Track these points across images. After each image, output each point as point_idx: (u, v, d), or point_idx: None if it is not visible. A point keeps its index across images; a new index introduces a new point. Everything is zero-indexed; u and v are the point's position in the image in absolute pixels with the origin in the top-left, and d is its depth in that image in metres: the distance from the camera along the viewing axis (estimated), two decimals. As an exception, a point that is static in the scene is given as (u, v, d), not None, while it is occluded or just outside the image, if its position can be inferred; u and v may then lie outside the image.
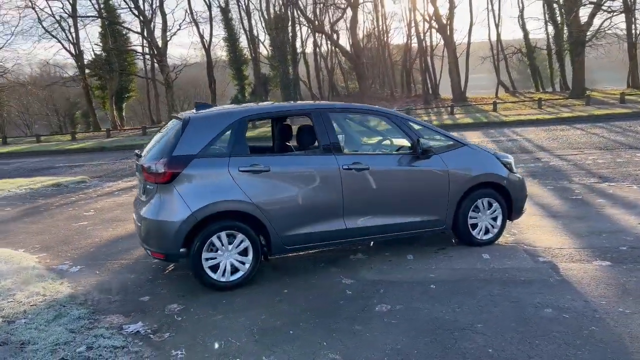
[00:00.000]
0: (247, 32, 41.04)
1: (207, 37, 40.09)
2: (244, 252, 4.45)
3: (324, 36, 42.63)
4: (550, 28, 37.98)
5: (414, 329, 3.52)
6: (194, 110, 4.80)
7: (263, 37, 45.57)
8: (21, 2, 45.10)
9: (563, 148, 12.63)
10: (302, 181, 4.58)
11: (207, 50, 39.91)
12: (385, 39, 48.49)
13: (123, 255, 5.71)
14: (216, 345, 3.45)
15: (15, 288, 4.60)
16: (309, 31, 43.75)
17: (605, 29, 29.32)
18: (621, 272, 4.32)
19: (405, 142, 5.17)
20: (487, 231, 5.29)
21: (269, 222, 4.45)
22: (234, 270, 4.44)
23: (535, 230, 5.77)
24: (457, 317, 3.66)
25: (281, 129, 5.69)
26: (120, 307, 4.22)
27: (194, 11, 47.43)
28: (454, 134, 5.90)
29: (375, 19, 47.04)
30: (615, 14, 28.54)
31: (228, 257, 4.40)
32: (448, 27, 34.54)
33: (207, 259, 4.33)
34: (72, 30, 38.03)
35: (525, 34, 40.73)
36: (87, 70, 39.74)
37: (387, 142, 5.59)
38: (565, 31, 33.12)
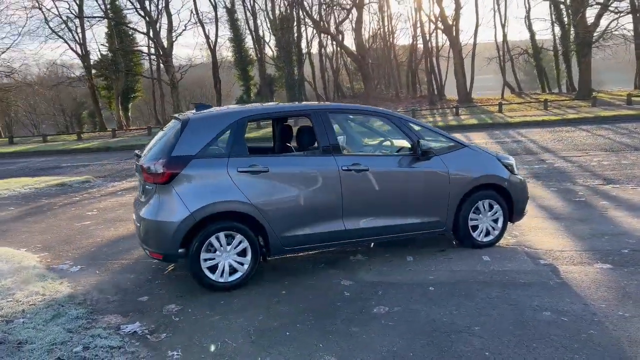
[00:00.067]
0: (253, 33, 41.11)
1: (212, 37, 40.21)
2: (243, 253, 4.45)
3: (329, 37, 42.61)
4: (557, 29, 37.82)
5: (411, 331, 3.50)
6: (194, 111, 4.81)
7: (268, 37, 45.60)
8: (28, 2, 45.48)
9: (568, 149, 12.55)
10: (301, 182, 4.57)
11: (213, 50, 40.00)
12: (390, 39, 48.45)
13: (124, 255, 5.72)
14: (212, 346, 3.44)
15: (15, 287, 4.62)
16: (314, 32, 43.76)
17: (612, 29, 29.10)
18: (622, 275, 4.28)
19: (405, 143, 5.15)
20: (487, 233, 5.26)
21: (268, 223, 4.44)
22: (233, 271, 4.43)
23: (537, 232, 5.74)
24: (454, 320, 3.64)
25: (281, 130, 5.69)
26: (119, 307, 4.23)
27: (199, 11, 47.65)
28: (457, 136, 5.87)
29: (381, 19, 47.00)
30: (622, 14, 28.32)
31: (226, 257, 4.40)
32: (454, 27, 34.42)
33: (205, 260, 4.33)
34: (79, 30, 38.32)
35: (532, 34, 40.56)
36: (93, 71, 39.96)
37: (388, 143, 5.58)
38: (572, 32, 32.96)
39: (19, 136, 38.51)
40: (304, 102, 5.69)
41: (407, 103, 36.91)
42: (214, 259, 4.36)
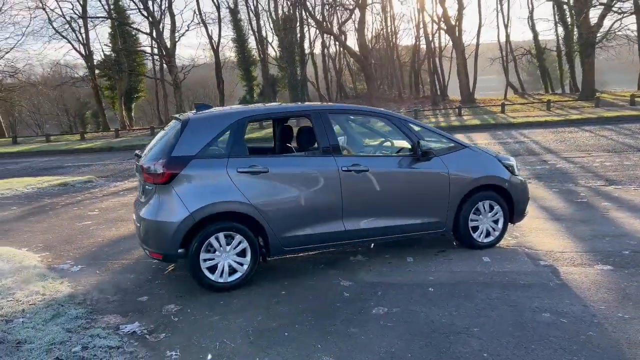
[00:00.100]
0: (256, 33, 41.13)
1: (215, 38, 40.27)
2: (242, 253, 4.45)
3: (332, 37, 42.60)
4: (560, 29, 37.72)
5: (410, 332, 3.50)
6: (194, 111, 4.82)
7: (271, 38, 45.62)
8: (32, 2, 45.67)
9: (570, 150, 12.52)
10: (301, 182, 4.57)
11: (216, 51, 40.05)
12: (393, 40, 48.40)
13: (124, 255, 5.74)
14: (211, 347, 3.44)
15: (15, 287, 4.63)
16: (317, 32, 43.77)
17: (616, 30, 29.03)
18: (622, 277, 4.27)
19: (405, 144, 5.15)
20: (488, 234, 5.25)
21: (267, 223, 4.45)
22: (232, 271, 4.44)
23: (538, 233, 5.72)
24: (453, 321, 3.63)
25: (282, 130, 5.69)
26: (119, 307, 4.24)
27: (202, 12, 47.70)
28: (459, 136, 5.86)
29: (384, 20, 46.97)
30: (625, 15, 28.23)
31: (226, 258, 4.40)
32: (456, 28, 34.38)
33: (205, 260, 4.34)
34: (82, 31, 38.40)
35: (535, 35, 40.46)
36: (96, 71, 40.05)
37: (388, 143, 5.57)
38: (575, 32, 32.85)
39: (23, 136, 38.64)
40: (304, 103, 5.69)
41: (410, 103, 36.88)
42: (213, 259, 4.37)
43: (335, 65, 48.30)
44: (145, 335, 3.68)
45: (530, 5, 40.88)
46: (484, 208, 5.18)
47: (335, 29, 41.36)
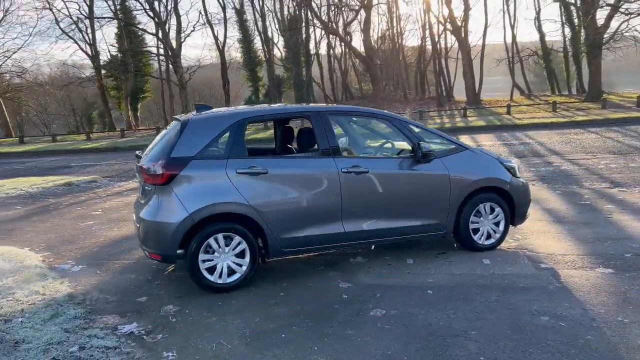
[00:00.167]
0: (261, 34, 41.18)
1: (221, 38, 40.29)
2: (241, 254, 4.45)
3: (337, 38, 42.59)
4: (567, 30, 37.50)
5: (407, 334, 3.48)
6: (195, 112, 4.83)
7: (277, 38, 45.65)
8: (39, 3, 45.86)
9: (576, 152, 12.44)
10: (300, 184, 4.57)
11: (222, 51, 40.11)
12: (399, 40, 48.30)
13: (125, 255, 5.75)
14: (207, 348, 3.44)
15: (15, 286, 4.65)
16: (323, 33, 43.76)
17: (623, 31, 28.80)
18: (623, 280, 4.23)
19: (406, 146, 5.13)
20: (488, 236, 5.22)
21: (266, 224, 4.44)
22: (231, 272, 4.44)
23: (540, 235, 5.69)
24: (451, 324, 3.61)
25: (283, 131, 5.69)
26: (117, 307, 4.25)
27: (208, 13, 47.84)
28: (464, 138, 5.84)
29: (390, 20, 46.89)
30: (632, 16, 27.97)
31: (225, 259, 4.40)
32: (462, 29, 34.26)
33: (203, 261, 4.34)
34: (89, 31, 38.56)
35: (542, 36, 40.25)
36: (103, 71, 40.24)
37: (389, 145, 5.56)
38: (582, 33, 32.67)
39: (29, 136, 38.89)
40: (304, 104, 5.68)
41: (415, 104, 36.78)
42: (212, 260, 4.37)
43: (341, 66, 48.26)
44: (142, 335, 3.69)
45: (537, 6, 40.58)
46: (485, 210, 5.16)
47: (340, 30, 41.33)
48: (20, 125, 50.61)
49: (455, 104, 35.19)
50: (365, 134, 5.98)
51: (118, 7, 39.26)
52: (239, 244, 4.42)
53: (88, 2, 37.50)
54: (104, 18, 39.47)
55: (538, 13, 40.22)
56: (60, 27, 37.92)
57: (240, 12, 41.80)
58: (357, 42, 47.40)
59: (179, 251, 4.32)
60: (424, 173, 4.93)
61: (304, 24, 40.29)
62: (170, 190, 4.30)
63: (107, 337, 3.62)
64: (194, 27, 52.17)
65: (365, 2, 33.30)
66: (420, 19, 48.98)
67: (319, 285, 4.53)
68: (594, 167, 10.07)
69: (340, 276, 4.71)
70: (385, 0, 42.02)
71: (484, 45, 37.61)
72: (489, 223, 5.20)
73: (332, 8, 40.40)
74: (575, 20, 34.94)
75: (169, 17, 38.08)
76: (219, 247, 4.37)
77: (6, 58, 39.59)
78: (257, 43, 43.27)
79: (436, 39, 39.85)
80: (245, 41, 42.74)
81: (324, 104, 5.51)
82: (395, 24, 46.68)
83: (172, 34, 37.57)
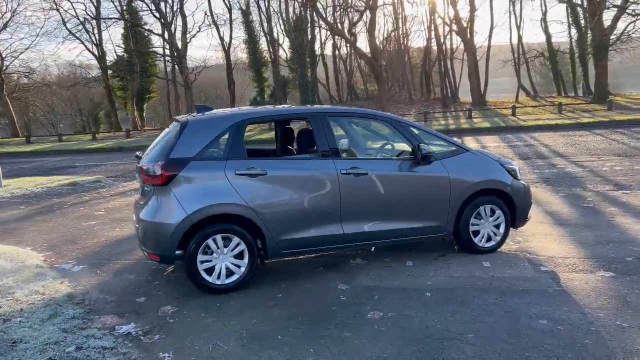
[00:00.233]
0: (267, 35, 41.28)
1: (227, 39, 40.44)
2: (240, 256, 4.45)
3: (343, 39, 42.57)
4: (574, 31, 37.32)
5: (403, 337, 3.47)
6: (194, 113, 4.84)
7: (282, 39, 45.70)
8: (46, 3, 46.15)
9: (580, 154, 12.37)
10: (299, 185, 4.56)
11: (227, 52, 40.22)
12: (405, 41, 48.23)
13: (126, 255, 5.77)
14: (204, 349, 3.45)
15: (15, 286, 4.68)
16: (328, 34, 43.80)
17: (630, 32, 28.65)
18: (624, 284, 4.20)
19: (406, 147, 5.11)
20: (489, 238, 5.20)
21: (265, 225, 4.44)
22: (229, 273, 4.44)
23: (541, 238, 5.66)
24: (448, 326, 3.60)
25: (283, 133, 5.69)
26: (116, 307, 4.26)
27: (214, 13, 47.96)
28: (468, 139, 5.81)
29: (395, 21, 46.82)
30: (639, 17, 27.86)
31: (223, 260, 4.41)
32: (468, 30, 34.18)
33: (202, 262, 4.34)
34: (96, 31, 38.85)
35: (548, 37, 40.07)
36: (109, 71, 40.45)
37: (389, 146, 5.54)
38: (589, 34, 32.51)
39: (36, 135, 39.13)
40: (309, 105, 5.68)
41: (421, 105, 36.73)
42: (210, 261, 4.37)
43: (346, 67, 48.29)
44: (140, 336, 3.69)
45: (543, 7, 40.39)
46: (485, 212, 5.13)
47: (346, 31, 41.31)
48: (27, 125, 50.94)
49: (461, 105, 35.11)
50: (366, 135, 5.97)
51: (124, 7, 39.47)
52: (237, 245, 4.42)
53: (95, 3, 37.77)
54: (111, 19, 39.74)
55: (544, 14, 40.09)
56: (67, 28, 38.23)
57: (246, 13, 41.92)
58: (363, 43, 47.33)
59: (177, 252, 4.33)
60: (424, 175, 4.91)
61: (309, 25, 40.31)
62: (169, 191, 4.31)
63: (105, 338, 3.63)
64: (199, 28, 52.28)
65: (371, 3, 33.21)
66: (426, 20, 48.74)
67: (317, 287, 4.52)
68: (599, 170, 10.01)
69: (339, 278, 4.70)
70: (391, 1, 41.94)
71: (489, 46, 37.53)
72: (490, 225, 5.18)
73: (338, 9, 40.36)
74: (582, 22, 34.78)
75: (174, 18, 38.28)
76: (218, 248, 4.37)
77: (14, 58, 39.94)
78: (263, 44, 43.42)
79: (442, 40, 39.78)
80: (251, 42, 42.85)
81: (327, 106, 5.50)
82: (400, 25, 46.62)
83: (178, 35, 37.80)
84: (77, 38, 38.70)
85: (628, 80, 49.27)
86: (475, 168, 5.10)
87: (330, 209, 4.63)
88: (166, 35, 37.33)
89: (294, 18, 41.09)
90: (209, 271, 4.38)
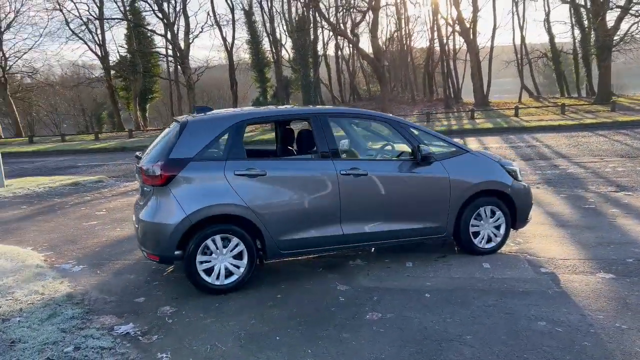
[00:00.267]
0: (270, 35, 41.28)
1: (229, 39, 40.48)
2: (239, 256, 4.45)
3: (345, 39, 42.56)
4: (577, 32, 37.25)
5: (402, 338, 3.46)
6: (194, 113, 4.84)
7: (285, 40, 45.71)
8: (49, 4, 46.20)
9: (583, 155, 12.34)
10: (298, 186, 4.56)
11: (230, 52, 40.26)
12: (407, 42, 48.16)
13: (126, 255, 5.78)
14: (201, 350, 3.44)
15: (15, 286, 4.69)
16: (331, 34, 43.77)
17: (633, 33, 28.56)
18: (624, 286, 4.18)
19: (406, 148, 5.10)
20: (489, 240, 5.18)
21: (264, 226, 4.44)
22: (229, 274, 4.44)
23: (542, 239, 5.64)
24: (447, 328, 3.59)
25: (283, 133, 5.69)
26: (115, 307, 4.27)
27: (217, 14, 48.01)
28: (471, 140, 5.80)
29: (398, 22, 46.77)
30: (643, 18, 27.77)
31: (222, 260, 4.41)
32: (471, 30, 34.11)
33: (201, 262, 4.35)
34: (99, 32, 38.88)
35: (551, 37, 39.96)
36: (112, 72, 40.53)
37: (389, 147, 5.53)
38: (592, 35, 32.41)
39: (39, 135, 39.22)
40: (310, 106, 5.68)
41: (423, 106, 36.66)
42: (209, 261, 4.38)
43: (349, 67, 48.23)
44: (138, 336, 3.69)
45: (546, 8, 40.27)
46: (486, 213, 5.12)
47: (348, 31, 41.30)
48: (30, 125, 51.06)
49: (463, 106, 35.03)
50: (366, 136, 5.96)
51: (127, 8, 39.53)
52: (236, 245, 4.42)
53: (98, 3, 37.81)
54: (114, 19, 39.77)
55: (547, 15, 39.98)
56: (70, 28, 38.29)
57: (248, 14, 41.94)
58: (365, 44, 47.36)
59: (176, 252, 4.33)
60: (424, 176, 4.90)
61: (312, 26, 40.31)
62: (168, 191, 4.31)
63: (103, 338, 3.63)
64: (202, 28, 52.50)
65: (373, 3, 33.21)
66: (429, 20, 48.68)
67: (316, 287, 4.52)
68: (601, 171, 9.98)
69: (338, 279, 4.70)
70: (394, 1, 41.91)
71: (492, 47, 37.42)
72: (490, 227, 5.16)
73: (340, 9, 40.37)
74: (585, 22, 34.70)
75: (177, 18, 38.33)
76: (217, 248, 4.37)
77: (17, 58, 40.06)
78: (266, 44, 43.43)
79: (444, 41, 39.71)
80: (254, 42, 42.87)
81: (327, 106, 5.50)
82: (403, 26, 46.54)
83: (181, 35, 37.83)
84: (80, 38, 38.80)
85: (631, 81, 49.11)
86: (475, 169, 5.09)
87: (329, 210, 4.63)
88: (169, 36, 37.39)
89: (297, 18, 41.09)
90: (208, 271, 4.38)
